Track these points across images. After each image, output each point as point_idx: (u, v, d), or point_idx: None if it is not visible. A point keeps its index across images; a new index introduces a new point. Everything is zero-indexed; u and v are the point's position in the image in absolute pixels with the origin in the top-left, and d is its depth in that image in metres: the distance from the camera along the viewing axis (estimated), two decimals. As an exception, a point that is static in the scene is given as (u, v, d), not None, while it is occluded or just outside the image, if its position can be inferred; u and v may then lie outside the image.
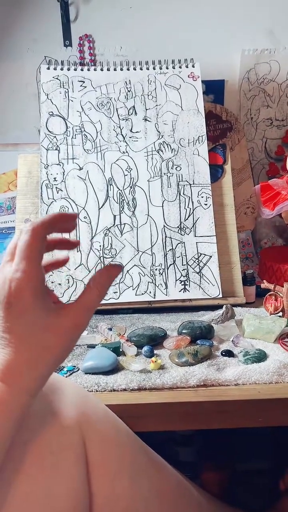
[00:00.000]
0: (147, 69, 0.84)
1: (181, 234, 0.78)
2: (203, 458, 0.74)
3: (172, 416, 0.52)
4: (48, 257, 0.42)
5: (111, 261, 0.77)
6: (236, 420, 0.53)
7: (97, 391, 0.54)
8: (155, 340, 0.63)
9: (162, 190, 0.79)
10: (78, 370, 0.57)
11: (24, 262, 0.37)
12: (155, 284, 0.76)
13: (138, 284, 0.76)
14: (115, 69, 0.84)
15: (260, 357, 0.59)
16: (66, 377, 0.56)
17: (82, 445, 0.43)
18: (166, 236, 0.78)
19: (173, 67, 0.84)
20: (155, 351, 0.61)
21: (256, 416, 0.52)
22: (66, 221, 0.41)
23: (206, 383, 0.54)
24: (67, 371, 0.57)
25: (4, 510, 0.37)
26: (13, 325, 0.37)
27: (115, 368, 0.57)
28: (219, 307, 0.72)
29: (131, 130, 0.81)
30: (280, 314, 0.70)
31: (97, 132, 0.81)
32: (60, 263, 0.48)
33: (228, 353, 0.60)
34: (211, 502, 0.59)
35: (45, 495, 0.39)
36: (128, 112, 0.82)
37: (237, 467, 0.75)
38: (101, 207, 0.79)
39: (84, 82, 0.83)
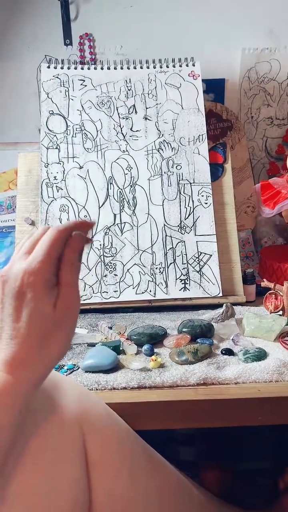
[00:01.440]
0: (148, 67, 0.84)
1: (182, 233, 0.78)
2: (203, 457, 0.74)
3: (172, 415, 0.52)
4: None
5: (111, 260, 0.77)
6: (236, 419, 0.53)
7: (97, 389, 0.54)
8: (155, 339, 0.63)
9: (162, 189, 0.79)
10: (78, 369, 0.57)
11: (44, 255, 0.38)
12: (156, 283, 0.76)
13: (139, 283, 0.76)
14: (115, 68, 0.84)
15: (260, 355, 0.59)
16: (67, 375, 0.56)
17: (82, 443, 0.43)
18: (166, 235, 0.78)
19: (174, 66, 0.84)
20: (155, 350, 0.61)
21: (256, 415, 0.52)
22: (86, 228, 0.42)
23: (206, 381, 0.54)
24: (67, 369, 0.57)
25: (3, 505, 0.37)
26: (24, 316, 0.37)
27: (115, 367, 0.57)
28: (219, 306, 0.72)
29: (131, 129, 0.81)
30: (280, 312, 0.70)
31: (97, 131, 0.81)
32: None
33: (228, 352, 0.60)
34: (211, 501, 0.59)
35: (44, 491, 0.39)
36: (129, 111, 0.82)
37: (237, 466, 0.75)
38: (101, 206, 0.79)
39: (84, 80, 0.83)
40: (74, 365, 0.58)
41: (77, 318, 0.41)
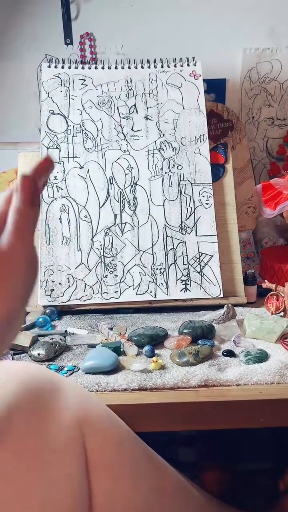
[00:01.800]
0: (148, 67, 0.83)
1: (182, 234, 0.78)
2: (203, 458, 0.74)
3: (173, 417, 0.52)
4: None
5: (111, 260, 0.76)
6: (238, 421, 0.52)
7: (97, 391, 0.53)
8: (156, 340, 0.63)
9: (163, 189, 0.79)
10: (78, 370, 0.57)
11: None
12: (156, 284, 0.76)
13: (139, 284, 0.76)
14: (116, 68, 0.83)
15: (262, 357, 0.58)
16: (67, 376, 0.55)
17: (81, 444, 0.43)
18: (167, 236, 0.78)
19: (175, 66, 0.83)
20: (156, 351, 0.61)
21: (257, 417, 0.52)
22: (45, 166, 0.37)
23: (207, 383, 0.54)
24: (67, 370, 0.57)
25: (1, 506, 0.37)
26: None
27: (116, 368, 0.57)
28: (220, 307, 0.72)
29: (132, 129, 0.81)
30: (282, 314, 0.70)
31: (98, 131, 0.81)
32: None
33: (230, 353, 0.60)
34: (211, 502, 0.59)
35: (43, 492, 0.39)
36: (129, 111, 0.81)
37: (238, 467, 0.75)
38: (102, 206, 0.78)
39: (85, 80, 0.82)
40: (74, 366, 0.58)
41: (31, 272, 0.35)
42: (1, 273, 0.33)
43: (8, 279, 0.34)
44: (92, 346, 0.63)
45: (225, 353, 0.60)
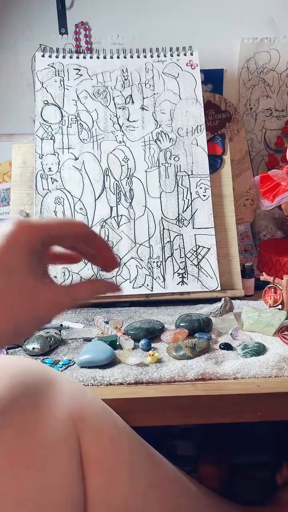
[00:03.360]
0: (145, 57, 0.82)
1: (179, 226, 0.77)
2: (201, 452, 0.74)
3: (170, 411, 0.51)
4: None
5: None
6: (235, 415, 0.52)
7: (93, 385, 0.52)
8: (152, 334, 0.62)
9: (159, 181, 0.78)
10: (74, 364, 0.56)
11: (53, 221, 0.36)
12: (153, 277, 0.75)
13: (136, 277, 0.75)
14: (111, 57, 0.82)
15: (260, 350, 0.58)
16: (62, 371, 0.54)
17: (76, 439, 0.42)
18: (163, 228, 0.77)
19: (171, 55, 0.82)
20: (153, 345, 0.60)
21: (255, 411, 0.51)
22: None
23: (205, 376, 0.53)
24: (62, 364, 0.56)
25: None
26: None
27: (112, 362, 0.56)
28: (217, 300, 0.71)
29: (128, 119, 0.79)
30: (280, 307, 0.69)
31: (93, 121, 0.79)
32: (71, 259, 0.44)
33: (227, 347, 0.59)
34: (209, 496, 0.59)
35: (37, 487, 0.38)
36: (125, 101, 0.80)
37: (235, 461, 0.75)
38: (98, 198, 0.77)
39: (80, 70, 0.81)
40: (70, 360, 0.57)
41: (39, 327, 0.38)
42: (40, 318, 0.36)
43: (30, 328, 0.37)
44: (88, 340, 0.62)
45: (222, 346, 0.59)
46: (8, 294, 0.34)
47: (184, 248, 0.76)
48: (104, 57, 0.82)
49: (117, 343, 0.60)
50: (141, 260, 0.75)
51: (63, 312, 0.38)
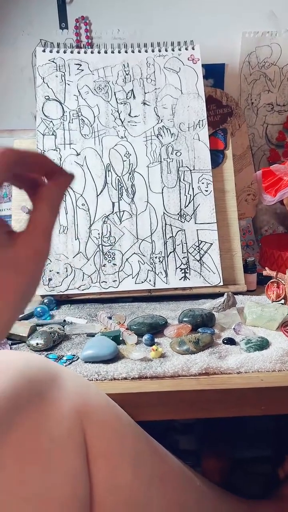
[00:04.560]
0: (146, 51, 0.81)
1: (181, 221, 0.77)
2: (203, 447, 0.74)
3: (173, 405, 0.51)
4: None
5: (110, 249, 0.75)
6: (239, 409, 0.52)
7: (97, 380, 0.53)
8: (155, 329, 0.62)
9: (161, 176, 0.78)
10: (77, 359, 0.56)
11: None
12: (155, 272, 0.75)
13: (138, 273, 0.75)
14: (112, 52, 0.81)
15: (263, 345, 0.58)
16: (66, 366, 0.55)
17: (81, 434, 0.42)
18: (166, 224, 0.77)
19: (173, 50, 0.82)
20: (156, 340, 0.60)
21: (259, 405, 0.52)
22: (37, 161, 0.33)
23: (208, 371, 0.54)
24: (66, 360, 0.56)
25: (1, 495, 0.36)
26: None
27: (115, 357, 0.56)
28: (220, 295, 0.71)
29: (129, 114, 0.79)
30: (282, 301, 0.69)
31: (94, 117, 0.79)
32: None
33: (230, 341, 0.59)
34: (212, 490, 0.59)
35: (42, 483, 0.38)
36: (127, 96, 0.80)
37: (238, 455, 0.75)
38: (99, 194, 0.77)
39: (81, 65, 0.80)
40: (74, 355, 0.57)
41: (43, 269, 0.33)
42: (31, 271, 0.32)
43: (36, 281, 0.33)
44: (91, 335, 0.62)
45: (225, 341, 0.60)
46: None
47: (186, 243, 0.76)
48: (105, 52, 0.81)
49: (121, 338, 0.60)
50: (143, 255, 0.75)
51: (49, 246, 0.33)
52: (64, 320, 0.67)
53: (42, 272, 0.34)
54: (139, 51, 0.81)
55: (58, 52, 0.81)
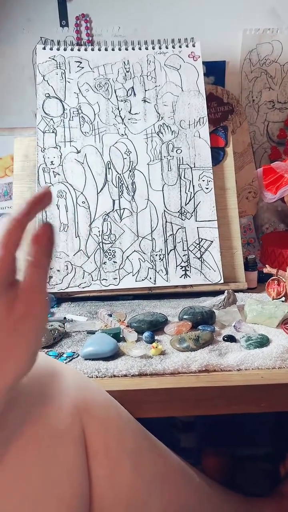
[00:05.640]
0: (146, 49, 0.81)
1: (182, 219, 0.77)
2: (204, 445, 0.74)
3: (173, 402, 0.51)
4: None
5: (110, 247, 0.75)
6: (239, 406, 0.52)
7: (97, 377, 0.53)
8: (156, 326, 0.62)
9: (162, 174, 0.78)
10: (78, 356, 0.56)
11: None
12: (156, 270, 0.75)
13: (138, 270, 0.75)
14: (113, 49, 0.81)
15: (263, 342, 0.58)
16: (66, 363, 0.55)
17: (81, 430, 0.43)
18: (166, 221, 0.76)
19: (173, 47, 0.81)
20: (156, 337, 0.60)
21: (259, 402, 0.52)
22: (42, 200, 0.34)
23: (208, 368, 0.53)
24: (66, 357, 0.56)
25: (0, 490, 0.37)
26: None
27: (116, 354, 0.56)
28: (220, 292, 0.71)
29: (130, 112, 0.79)
30: (283, 299, 0.69)
31: (95, 114, 0.79)
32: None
33: (230, 338, 0.59)
34: (213, 488, 0.59)
35: (42, 479, 0.38)
36: (127, 93, 0.80)
37: (238, 452, 0.75)
38: (100, 191, 0.77)
39: (81, 62, 0.80)
40: (74, 352, 0.57)
41: (44, 328, 0.35)
42: (29, 333, 0.33)
43: (36, 340, 0.34)
44: (92, 332, 0.62)
45: (225, 338, 0.60)
46: None
47: (187, 241, 0.76)
48: (106, 49, 0.81)
49: (121, 336, 0.60)
50: (144, 253, 0.75)
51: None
52: (65, 318, 0.67)
53: (42, 334, 0.35)
54: (140, 49, 0.81)
55: (58, 49, 0.80)
